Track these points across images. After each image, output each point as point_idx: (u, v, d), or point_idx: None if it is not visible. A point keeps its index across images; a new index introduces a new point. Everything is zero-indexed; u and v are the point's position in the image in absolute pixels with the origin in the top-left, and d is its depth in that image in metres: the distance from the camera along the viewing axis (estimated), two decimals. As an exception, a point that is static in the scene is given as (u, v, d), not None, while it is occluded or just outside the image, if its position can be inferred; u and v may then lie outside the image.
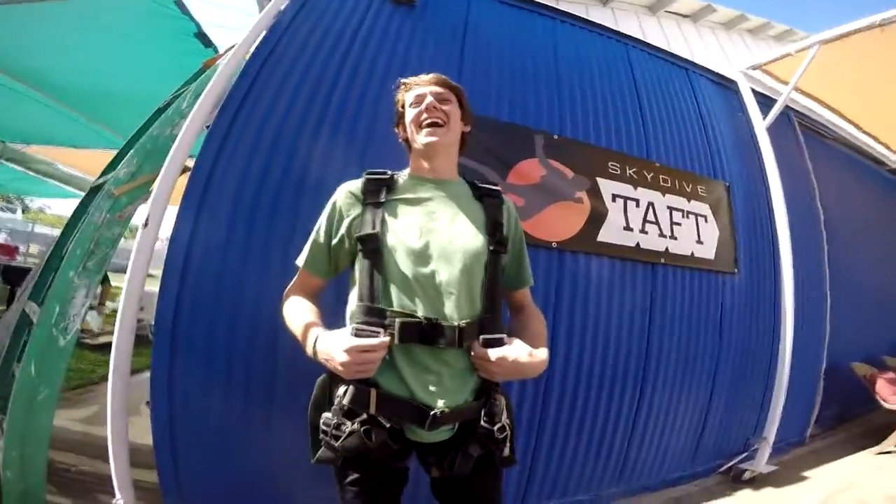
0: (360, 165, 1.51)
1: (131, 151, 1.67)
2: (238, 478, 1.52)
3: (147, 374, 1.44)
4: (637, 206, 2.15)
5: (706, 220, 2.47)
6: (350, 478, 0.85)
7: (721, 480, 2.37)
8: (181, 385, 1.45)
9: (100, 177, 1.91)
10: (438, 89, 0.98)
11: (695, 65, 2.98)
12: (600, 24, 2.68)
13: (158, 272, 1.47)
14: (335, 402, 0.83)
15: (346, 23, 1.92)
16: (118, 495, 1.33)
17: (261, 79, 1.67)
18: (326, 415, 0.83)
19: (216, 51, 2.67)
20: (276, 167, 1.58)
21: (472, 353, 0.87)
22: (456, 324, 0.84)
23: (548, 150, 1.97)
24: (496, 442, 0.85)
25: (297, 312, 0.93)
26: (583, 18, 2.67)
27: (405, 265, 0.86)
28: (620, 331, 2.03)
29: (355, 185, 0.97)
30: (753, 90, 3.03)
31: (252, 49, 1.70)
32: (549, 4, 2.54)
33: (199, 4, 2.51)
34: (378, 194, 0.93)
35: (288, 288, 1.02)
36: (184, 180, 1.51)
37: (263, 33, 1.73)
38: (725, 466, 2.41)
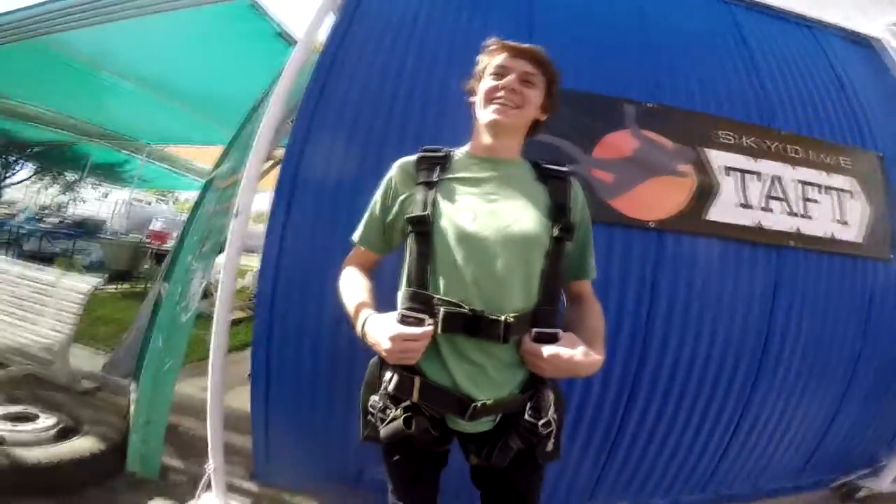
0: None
1: (232, 148, 1.85)
2: (318, 449, 1.63)
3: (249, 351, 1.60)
4: (758, 179, 1.80)
5: (851, 197, 2.01)
6: (394, 457, 0.87)
7: (827, 497, 2.04)
8: (276, 361, 1.59)
9: (211, 172, 2.16)
10: (529, 69, 0.87)
11: (821, 23, 2.46)
12: None
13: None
14: (381, 387, 0.83)
15: (406, 6, 1.91)
16: (210, 460, 1.47)
17: (335, 70, 1.73)
18: (374, 397, 0.84)
19: None
20: (355, 154, 1.63)
21: (522, 347, 0.80)
22: (503, 318, 0.78)
23: (641, 119, 1.73)
24: (539, 437, 0.80)
25: (351, 289, 0.92)
26: None
27: (457, 250, 0.80)
28: (732, 324, 1.74)
29: (410, 161, 0.92)
30: None
31: (322, 41, 1.76)
32: None
33: (279, 5, 2.72)
34: (431, 173, 0.88)
35: (345, 262, 1.00)
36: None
37: (332, 24, 1.79)
38: (839, 482, 2.04)
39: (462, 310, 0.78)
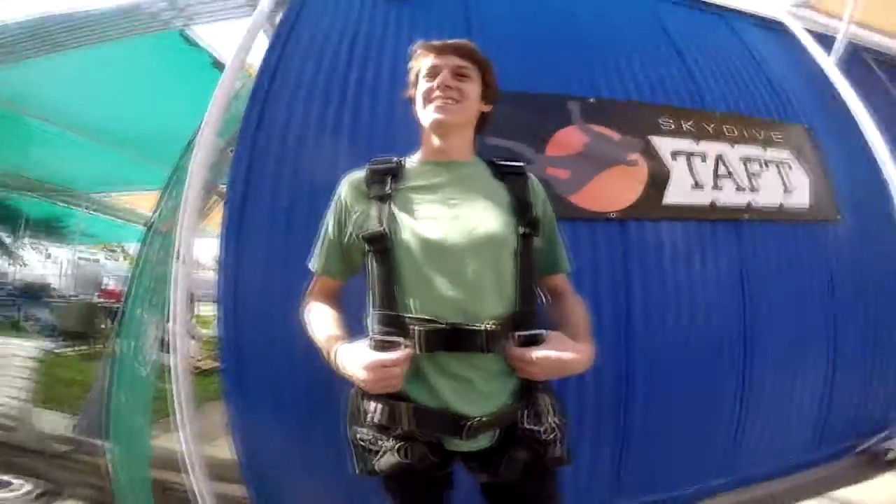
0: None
1: (171, 187, 1.75)
2: (316, 491, 1.50)
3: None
4: (703, 160, 1.89)
5: (790, 167, 2.13)
6: (393, 488, 0.82)
7: (855, 463, 2.01)
8: (254, 407, 1.46)
9: (151, 215, 2.04)
10: (459, 62, 0.84)
11: (730, 9, 2.67)
12: None
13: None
14: (367, 418, 0.76)
15: (344, 22, 1.91)
16: None
17: (272, 94, 1.68)
18: (361, 430, 0.77)
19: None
20: (304, 181, 1.56)
21: (508, 354, 0.76)
22: (483, 326, 0.74)
23: (586, 114, 1.78)
24: (544, 443, 0.75)
25: (317, 323, 0.86)
26: None
27: (423, 262, 0.76)
28: (710, 299, 1.77)
29: (359, 176, 0.87)
30: (809, 31, 2.67)
31: (255, 64, 1.73)
32: None
33: (208, 35, 2.66)
34: (383, 185, 0.82)
35: (306, 294, 0.92)
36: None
37: (267, 46, 1.76)
38: (861, 447, 2.03)
39: (439, 325, 0.73)
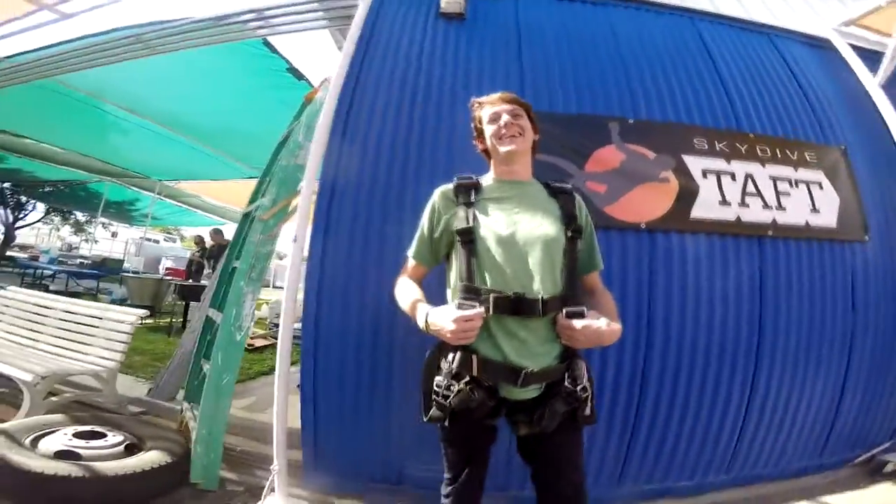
0: (445, 172, 1.72)
1: (268, 181, 2.09)
2: (362, 453, 1.79)
3: (297, 368, 1.78)
4: (733, 179, 2.04)
5: (821, 187, 2.23)
6: (453, 432, 1.04)
7: (854, 472, 2.09)
8: (322, 373, 1.77)
9: (248, 205, 2.40)
10: (510, 107, 1.13)
11: (776, 27, 2.75)
12: (658, 2, 2.62)
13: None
14: (444, 368, 1.00)
15: (409, 46, 2.18)
16: (276, 462, 1.62)
17: (353, 111, 1.99)
18: (438, 378, 1.00)
19: (309, 84, 3.13)
20: (380, 183, 1.87)
21: (558, 324, 1.00)
22: (540, 296, 0.98)
23: (624, 134, 1.98)
24: (579, 400, 0.98)
25: (408, 294, 1.12)
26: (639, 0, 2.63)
27: (496, 251, 1.02)
28: (726, 308, 1.93)
29: (448, 188, 1.15)
30: (856, 47, 2.69)
31: (341, 83, 1.99)
32: None
33: (283, 43, 2.97)
34: (469, 195, 1.11)
35: (399, 275, 1.21)
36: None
37: (346, 68, 2.02)
38: (864, 457, 2.12)
39: (506, 294, 0.99)
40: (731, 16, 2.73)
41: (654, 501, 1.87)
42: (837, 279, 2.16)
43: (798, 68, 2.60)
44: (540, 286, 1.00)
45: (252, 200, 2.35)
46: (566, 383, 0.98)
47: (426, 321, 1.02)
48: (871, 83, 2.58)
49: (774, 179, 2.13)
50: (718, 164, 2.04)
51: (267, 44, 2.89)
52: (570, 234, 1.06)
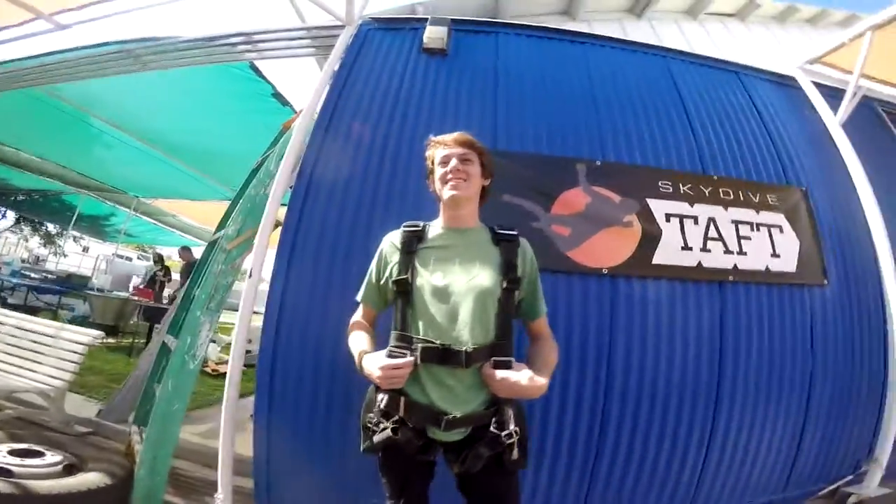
0: (413, 208, 1.72)
1: (236, 209, 2.07)
2: (316, 481, 1.76)
3: (252, 398, 1.75)
4: (695, 223, 2.09)
5: (781, 231, 2.30)
6: (387, 464, 1.09)
7: None
8: (278, 404, 1.74)
9: (215, 232, 2.37)
10: (461, 150, 1.15)
11: (744, 66, 2.86)
12: (634, 41, 2.71)
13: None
14: (375, 406, 1.06)
15: (389, 79, 2.22)
16: (220, 491, 1.60)
17: (327, 140, 1.99)
18: (370, 415, 1.06)
19: (292, 109, 3.15)
20: (347, 219, 1.86)
21: (482, 372, 1.04)
22: (464, 349, 1.02)
23: (591, 177, 2.02)
24: (503, 445, 1.00)
25: (354, 338, 1.17)
26: (615, 38, 2.72)
27: (429, 301, 1.06)
28: (686, 351, 1.96)
29: (396, 235, 1.19)
30: (820, 85, 2.81)
31: (316, 113, 2.01)
32: (579, 30, 2.63)
33: (269, 68, 3.01)
34: (411, 244, 1.14)
35: (352, 318, 1.25)
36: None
37: (324, 95, 2.03)
38: (827, 490, 2.16)
39: (434, 344, 1.03)
40: (701, 54, 2.85)
41: (614, 544, 1.85)
42: (797, 321, 2.20)
43: (764, 107, 2.69)
44: (469, 337, 1.03)
45: (220, 227, 2.31)
46: (492, 428, 1.01)
47: (360, 365, 1.08)
48: (833, 122, 2.69)
49: (736, 223, 2.19)
50: (682, 207, 2.10)
51: (253, 67, 2.91)
52: (505, 284, 1.08)
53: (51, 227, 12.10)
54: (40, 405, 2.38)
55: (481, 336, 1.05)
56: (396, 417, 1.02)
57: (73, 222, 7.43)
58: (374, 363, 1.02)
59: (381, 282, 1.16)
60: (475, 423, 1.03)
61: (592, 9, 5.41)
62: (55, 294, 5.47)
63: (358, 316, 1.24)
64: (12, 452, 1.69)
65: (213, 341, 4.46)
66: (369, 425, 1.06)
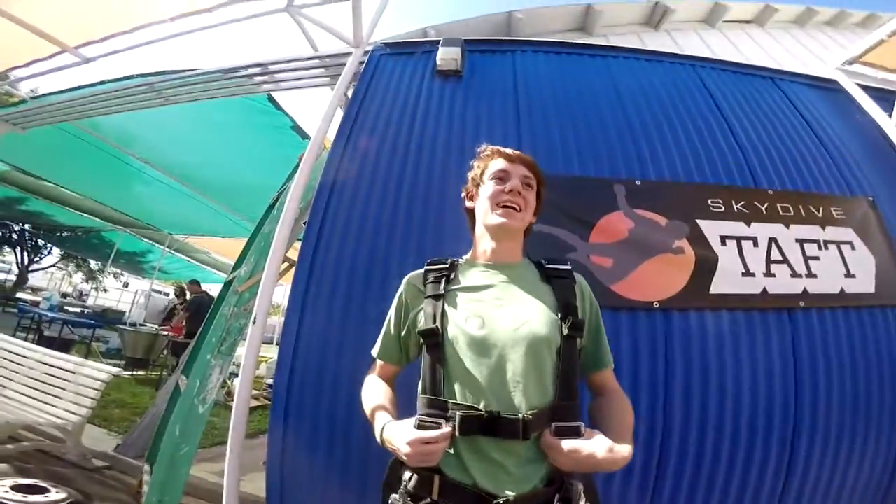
0: (434, 243, 1.56)
1: (250, 249, 1.98)
2: None
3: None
4: (755, 245, 1.84)
5: (853, 248, 2.02)
6: None
7: None
8: (292, 448, 1.58)
9: (231, 273, 2.29)
10: (526, 172, 0.95)
11: (778, 71, 2.67)
12: (657, 51, 2.58)
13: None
14: (401, 486, 0.83)
15: (404, 105, 2.12)
16: None
17: (342, 171, 1.89)
18: (394, 496, 0.83)
19: None
20: (363, 254, 1.73)
21: (543, 441, 0.81)
22: (521, 416, 0.79)
23: (632, 198, 1.82)
24: None
25: (370, 398, 0.96)
26: (637, 49, 2.59)
27: (467, 357, 0.84)
28: (756, 391, 1.69)
29: (418, 277, 0.98)
30: (863, 86, 2.57)
31: (329, 142, 1.93)
32: (597, 43, 2.51)
33: (288, 102, 3.05)
34: (438, 286, 0.93)
35: (367, 376, 1.04)
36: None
37: (336, 123, 1.96)
38: None
39: (477, 411, 0.80)
40: (731, 60, 2.67)
41: None
42: (882, 348, 1.90)
43: (808, 112, 2.47)
44: (522, 400, 0.81)
45: (236, 267, 2.24)
46: None
47: (381, 437, 0.86)
48: (889, 124, 2.43)
49: (801, 242, 1.93)
50: (738, 227, 1.86)
51: (272, 100, 2.93)
52: (566, 331, 0.86)
53: (93, 264, 12.74)
54: (60, 438, 2.39)
55: (538, 398, 0.82)
56: (429, 501, 0.79)
57: (111, 259, 7.73)
58: (401, 436, 0.80)
59: (403, 333, 0.96)
60: (534, 503, 0.79)
61: (608, 23, 5.33)
62: (89, 328, 5.63)
63: (374, 373, 1.04)
64: (15, 487, 1.65)
65: (236, 375, 4.42)
66: None
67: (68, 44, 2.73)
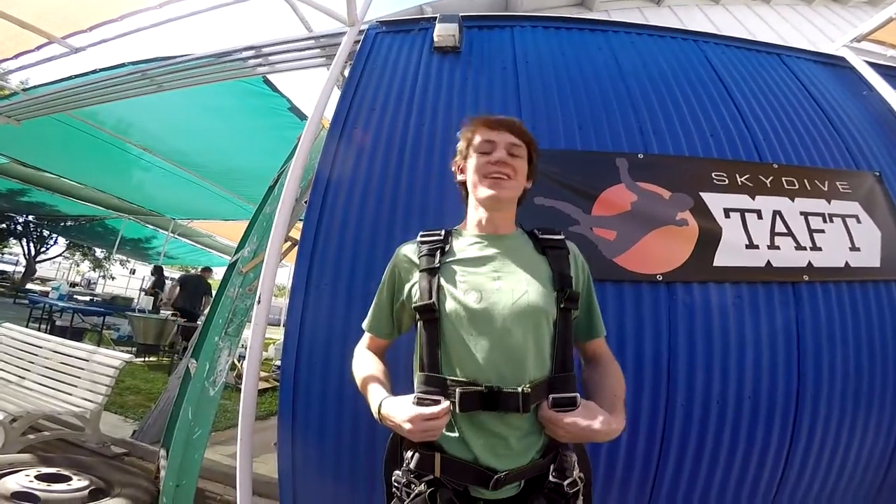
0: (436, 223, 1.55)
1: (252, 230, 1.98)
2: None
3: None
4: (759, 217, 1.82)
5: (858, 221, 2.01)
6: None
7: None
8: (302, 429, 1.61)
9: (234, 254, 2.30)
10: (511, 138, 0.92)
11: (785, 48, 2.62)
12: (660, 26, 2.53)
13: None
14: (403, 464, 0.84)
15: (402, 83, 2.09)
16: None
17: (341, 150, 1.88)
18: (397, 473, 0.84)
19: None
20: (365, 233, 1.72)
21: (540, 414, 0.82)
22: (520, 389, 0.80)
23: (634, 172, 1.80)
24: (566, 496, 0.80)
25: (363, 371, 0.94)
26: (639, 24, 2.55)
27: (466, 331, 0.83)
28: (759, 363, 1.69)
29: (411, 248, 0.95)
30: (872, 63, 2.53)
31: (327, 122, 1.91)
32: (597, 18, 2.46)
33: (284, 84, 3.02)
34: (432, 258, 0.90)
35: (356, 348, 1.02)
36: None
37: (333, 102, 1.93)
38: None
39: (477, 388, 0.80)
40: (736, 36, 2.63)
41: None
42: (887, 322, 1.90)
43: (815, 88, 2.44)
44: (523, 373, 0.81)
45: (239, 249, 2.24)
46: (551, 477, 0.81)
47: (379, 413, 0.84)
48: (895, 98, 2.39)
49: (806, 215, 1.92)
50: (742, 200, 1.84)
51: (268, 82, 2.89)
52: (563, 304, 0.86)
53: (98, 252, 12.81)
54: (79, 426, 2.44)
55: (537, 369, 0.83)
56: (431, 478, 0.80)
57: (116, 246, 7.78)
58: (400, 413, 0.79)
59: (396, 305, 0.95)
60: (530, 475, 0.82)
61: (608, -2, 5.17)
62: (99, 316, 5.70)
63: (363, 346, 1.01)
64: (39, 477, 1.68)
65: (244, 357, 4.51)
66: (397, 485, 0.83)
67: (55, 34, 2.68)
